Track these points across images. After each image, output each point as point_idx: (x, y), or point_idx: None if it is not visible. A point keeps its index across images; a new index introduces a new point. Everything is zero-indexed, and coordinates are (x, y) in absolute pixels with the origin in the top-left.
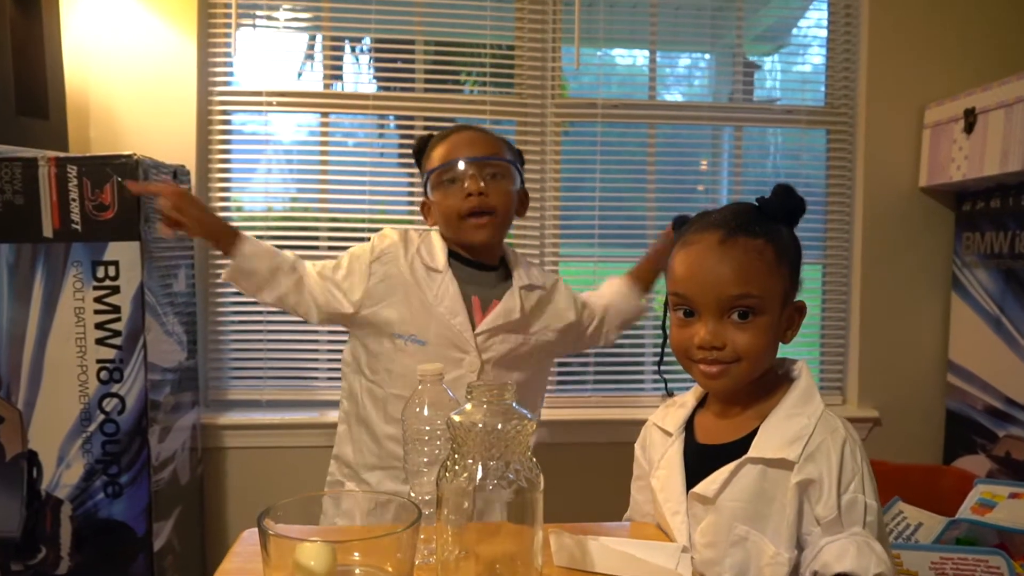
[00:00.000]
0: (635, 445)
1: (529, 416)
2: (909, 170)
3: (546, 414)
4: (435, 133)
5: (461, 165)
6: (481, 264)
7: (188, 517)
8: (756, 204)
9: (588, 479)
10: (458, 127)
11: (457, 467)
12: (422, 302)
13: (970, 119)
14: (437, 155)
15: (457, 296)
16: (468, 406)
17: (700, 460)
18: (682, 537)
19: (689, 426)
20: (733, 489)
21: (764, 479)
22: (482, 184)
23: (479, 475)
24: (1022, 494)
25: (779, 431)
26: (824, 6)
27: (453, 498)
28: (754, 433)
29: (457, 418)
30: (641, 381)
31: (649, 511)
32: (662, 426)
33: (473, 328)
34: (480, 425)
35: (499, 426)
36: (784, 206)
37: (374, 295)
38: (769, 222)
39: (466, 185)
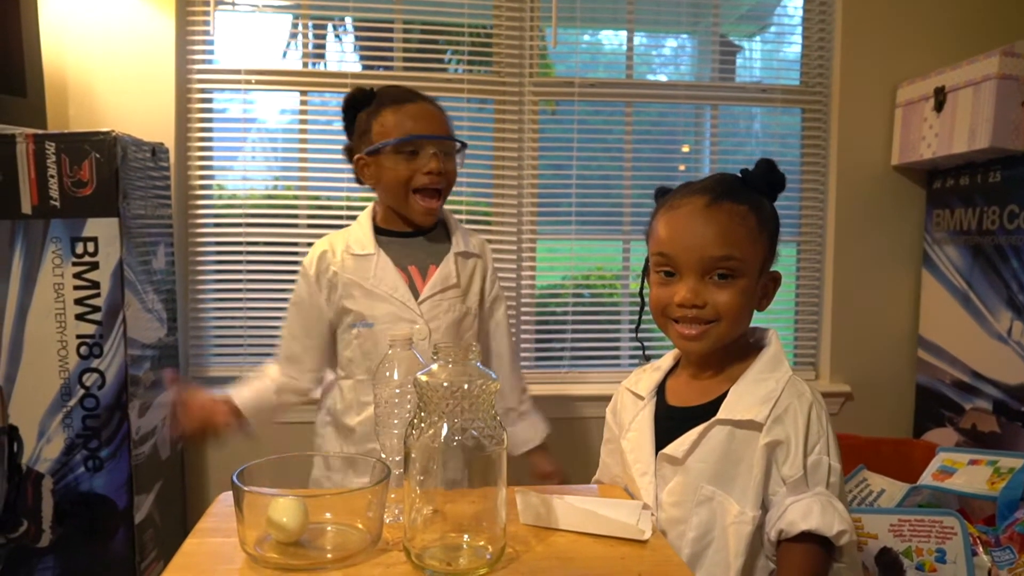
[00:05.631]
0: (606, 410)
1: (493, 376)
2: (881, 148)
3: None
4: (375, 89)
5: (444, 153)
6: (413, 232)
7: (169, 491)
8: (740, 175)
9: (565, 453)
10: (409, 94)
11: (423, 424)
12: (363, 289)
13: (940, 97)
14: (397, 123)
15: (393, 271)
16: (434, 366)
17: (670, 422)
18: (649, 497)
19: (660, 390)
20: (702, 450)
21: (732, 440)
22: (441, 164)
23: (444, 432)
24: (981, 460)
25: (748, 394)
26: None
27: (420, 456)
28: (723, 396)
29: (424, 378)
30: (617, 356)
31: (618, 473)
32: (634, 390)
33: (416, 297)
34: (446, 384)
35: (464, 385)
36: (766, 178)
37: (332, 300)
38: (752, 193)
39: (431, 164)
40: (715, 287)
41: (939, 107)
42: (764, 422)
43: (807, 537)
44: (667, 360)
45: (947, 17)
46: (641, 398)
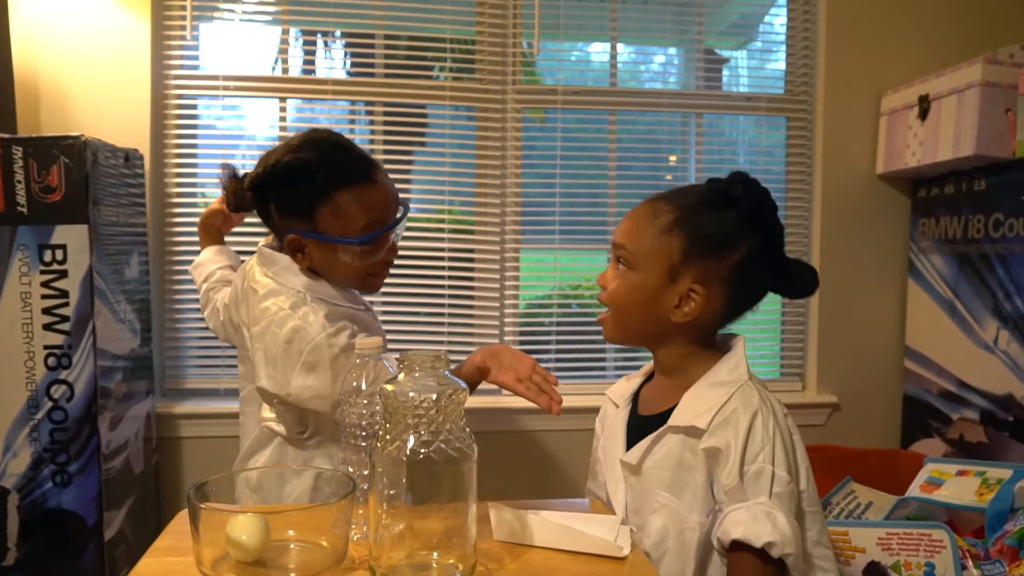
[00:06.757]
0: (596, 419)
1: (462, 385)
2: (866, 157)
3: (508, 401)
4: (312, 160)
5: (397, 230)
6: None
7: (142, 507)
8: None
9: (550, 466)
10: (364, 168)
11: (389, 437)
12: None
13: (924, 105)
14: (358, 214)
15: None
16: (401, 376)
17: (639, 430)
18: (620, 504)
19: (635, 398)
20: (655, 457)
21: (684, 448)
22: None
23: (410, 445)
24: (969, 471)
25: (698, 401)
26: None
27: (387, 470)
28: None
29: (389, 388)
30: (603, 368)
31: (604, 482)
32: (612, 398)
33: None
34: (412, 394)
35: (432, 396)
36: (723, 190)
37: None
38: (697, 199)
39: (392, 251)
40: (616, 274)
41: (923, 115)
42: (705, 428)
43: (746, 546)
44: (646, 368)
45: (930, 25)
46: (618, 406)
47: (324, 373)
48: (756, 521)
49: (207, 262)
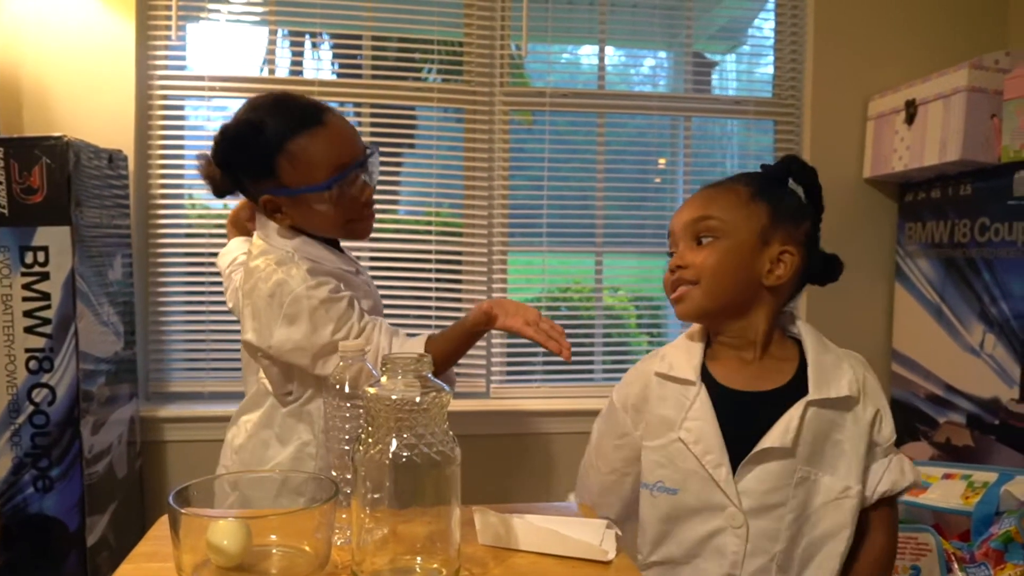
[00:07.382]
0: (616, 402)
1: (445, 388)
2: (854, 161)
3: (494, 404)
4: (262, 120)
5: (369, 170)
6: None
7: (125, 512)
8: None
9: (538, 469)
10: (313, 111)
11: (371, 440)
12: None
13: (911, 110)
14: (317, 158)
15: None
16: (384, 379)
17: (738, 408)
18: (730, 489)
19: (705, 373)
20: (801, 435)
21: (819, 419)
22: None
23: (392, 448)
24: (955, 475)
25: (826, 372)
26: (772, 2)
27: (369, 474)
28: (795, 378)
29: (371, 390)
30: (591, 372)
31: (622, 468)
32: (675, 375)
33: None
34: (395, 397)
35: (415, 398)
36: (780, 169)
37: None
38: (760, 179)
39: (365, 192)
40: (697, 249)
41: (910, 120)
42: (858, 396)
43: (899, 491)
44: (696, 340)
45: (917, 30)
46: (689, 383)
47: (304, 324)
48: (912, 467)
49: (232, 250)
